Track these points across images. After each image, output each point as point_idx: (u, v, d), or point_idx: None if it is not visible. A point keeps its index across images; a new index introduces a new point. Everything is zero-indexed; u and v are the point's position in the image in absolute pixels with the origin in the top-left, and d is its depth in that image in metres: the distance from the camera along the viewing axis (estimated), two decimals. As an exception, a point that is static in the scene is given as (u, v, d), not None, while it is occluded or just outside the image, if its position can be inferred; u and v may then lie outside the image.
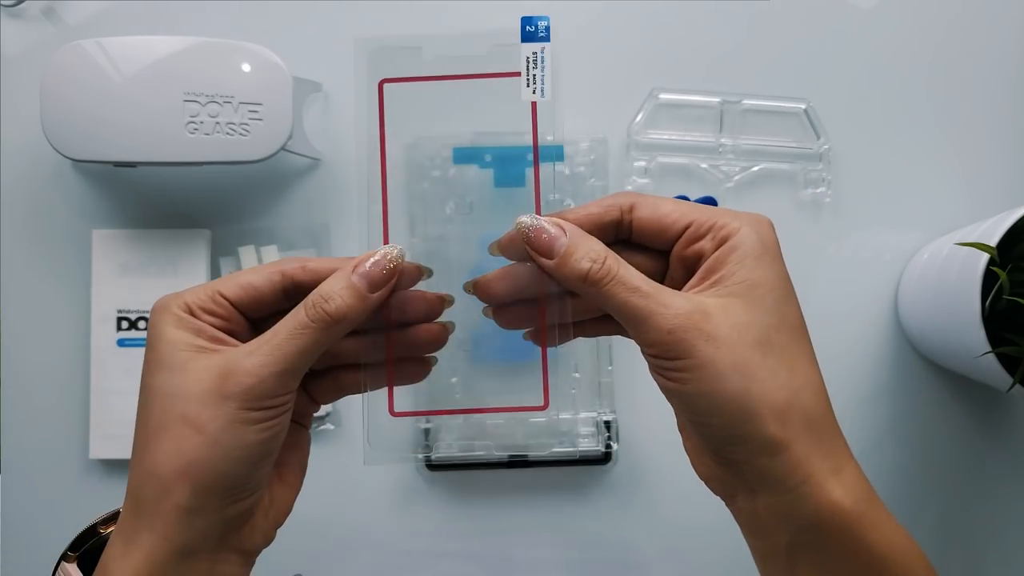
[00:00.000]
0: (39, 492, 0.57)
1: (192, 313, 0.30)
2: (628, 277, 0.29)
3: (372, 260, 0.30)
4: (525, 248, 0.31)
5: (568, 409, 0.51)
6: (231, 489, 0.29)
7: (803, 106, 0.59)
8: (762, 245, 0.29)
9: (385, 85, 0.36)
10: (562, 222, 0.31)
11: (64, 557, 0.33)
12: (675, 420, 0.33)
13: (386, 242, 0.33)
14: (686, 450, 0.33)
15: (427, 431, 0.56)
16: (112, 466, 0.56)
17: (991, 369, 0.48)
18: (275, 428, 0.29)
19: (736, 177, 0.59)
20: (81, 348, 0.56)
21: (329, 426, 0.57)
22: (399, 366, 0.33)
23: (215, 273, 0.57)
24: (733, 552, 0.59)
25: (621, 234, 0.33)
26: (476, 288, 0.33)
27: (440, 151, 0.56)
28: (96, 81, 0.49)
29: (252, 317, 0.32)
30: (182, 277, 0.55)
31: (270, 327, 0.30)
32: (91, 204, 0.57)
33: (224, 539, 0.30)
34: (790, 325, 0.29)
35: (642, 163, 0.58)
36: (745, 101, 0.59)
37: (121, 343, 0.55)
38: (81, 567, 0.33)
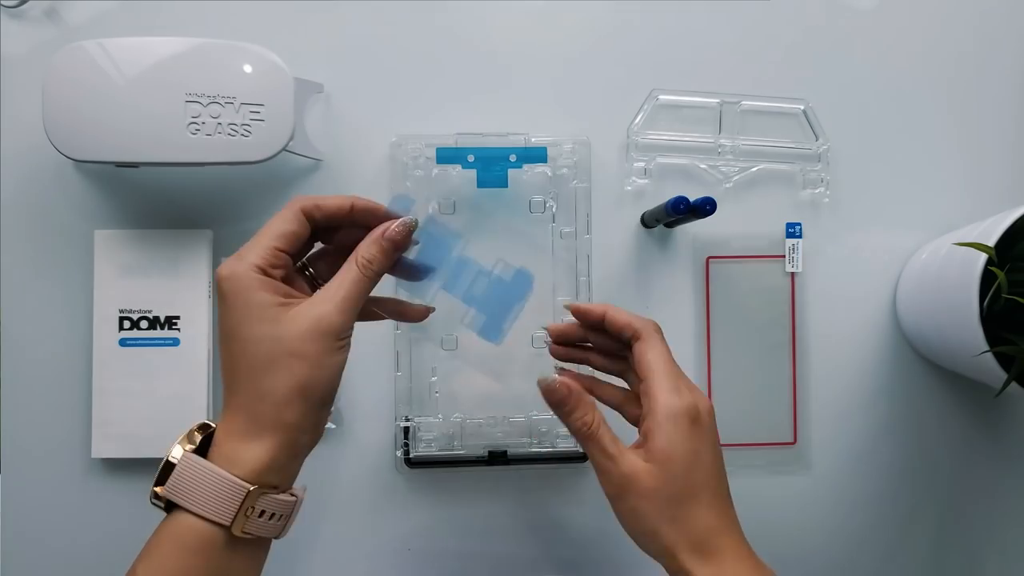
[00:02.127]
0: (40, 492, 0.57)
1: (264, 272, 0.39)
2: (602, 439, 0.43)
3: (395, 226, 0.41)
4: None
5: (547, 410, 0.51)
6: (328, 398, 0.40)
7: (802, 106, 0.59)
8: (673, 425, 0.42)
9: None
10: (571, 383, 0.44)
11: (171, 456, 0.38)
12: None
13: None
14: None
15: (406, 429, 0.56)
16: (114, 465, 0.56)
17: (989, 368, 0.48)
18: (348, 348, 0.40)
19: (735, 177, 0.59)
20: (83, 348, 0.56)
21: (331, 425, 0.57)
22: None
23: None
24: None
25: (626, 349, 0.46)
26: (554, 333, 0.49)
27: (423, 151, 0.57)
28: (98, 82, 0.49)
29: (291, 254, 0.41)
30: (183, 277, 0.56)
31: (302, 256, 0.43)
32: (93, 204, 0.57)
33: (314, 438, 0.40)
34: (694, 484, 0.41)
35: (642, 164, 0.59)
36: (744, 102, 0.59)
37: (123, 343, 0.55)
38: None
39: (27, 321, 0.57)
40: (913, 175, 0.61)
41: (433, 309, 0.45)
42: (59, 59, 0.50)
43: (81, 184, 0.57)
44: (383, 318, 0.45)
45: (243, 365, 0.38)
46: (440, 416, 0.57)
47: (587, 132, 0.58)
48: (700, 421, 0.42)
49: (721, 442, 0.44)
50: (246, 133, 0.50)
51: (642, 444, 0.43)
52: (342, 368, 0.40)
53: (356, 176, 0.58)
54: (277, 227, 0.40)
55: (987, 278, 0.47)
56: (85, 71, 0.49)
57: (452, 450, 0.57)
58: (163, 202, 0.57)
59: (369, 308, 0.43)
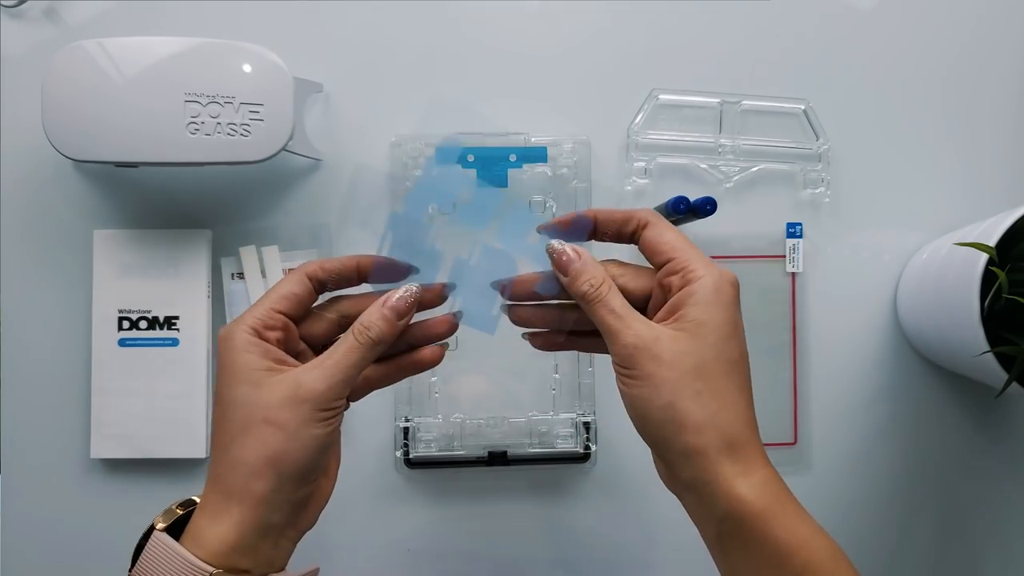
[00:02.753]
0: (39, 492, 0.57)
1: (259, 333, 0.37)
2: (612, 301, 0.37)
3: (398, 296, 0.39)
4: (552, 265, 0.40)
5: (547, 410, 0.52)
6: (304, 474, 0.37)
7: (802, 106, 0.59)
8: (716, 293, 0.36)
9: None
10: (580, 249, 0.39)
11: (153, 528, 0.37)
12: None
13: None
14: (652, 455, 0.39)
15: (406, 430, 0.56)
16: (113, 465, 0.56)
17: (990, 368, 0.48)
18: (335, 423, 0.37)
19: (736, 177, 0.59)
20: (82, 348, 0.56)
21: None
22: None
23: (216, 274, 0.57)
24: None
25: (632, 241, 0.40)
26: (511, 285, 0.41)
27: (423, 150, 0.57)
28: (97, 81, 0.49)
29: (294, 317, 0.39)
30: (183, 277, 0.56)
31: (307, 323, 0.40)
32: (92, 204, 0.57)
33: (290, 518, 0.38)
34: (725, 360, 0.36)
35: (642, 163, 0.58)
36: (744, 101, 0.59)
37: (122, 343, 0.55)
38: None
39: (26, 321, 0.56)
40: (914, 175, 0.61)
41: (447, 346, 0.42)
42: (58, 59, 0.50)
43: (80, 184, 0.57)
44: (392, 381, 0.42)
45: (222, 430, 0.37)
46: (440, 416, 0.57)
47: (587, 132, 0.58)
48: (737, 296, 0.38)
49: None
50: (245, 133, 0.50)
51: (667, 318, 0.37)
52: (323, 444, 0.37)
53: (355, 176, 0.58)
54: (280, 289, 0.39)
55: (988, 278, 0.47)
56: (84, 71, 0.49)
57: (452, 450, 0.56)
58: (162, 202, 0.57)
59: (374, 376, 0.41)
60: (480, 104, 0.59)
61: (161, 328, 0.55)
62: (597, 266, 0.39)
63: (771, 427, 0.59)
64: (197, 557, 0.35)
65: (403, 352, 0.42)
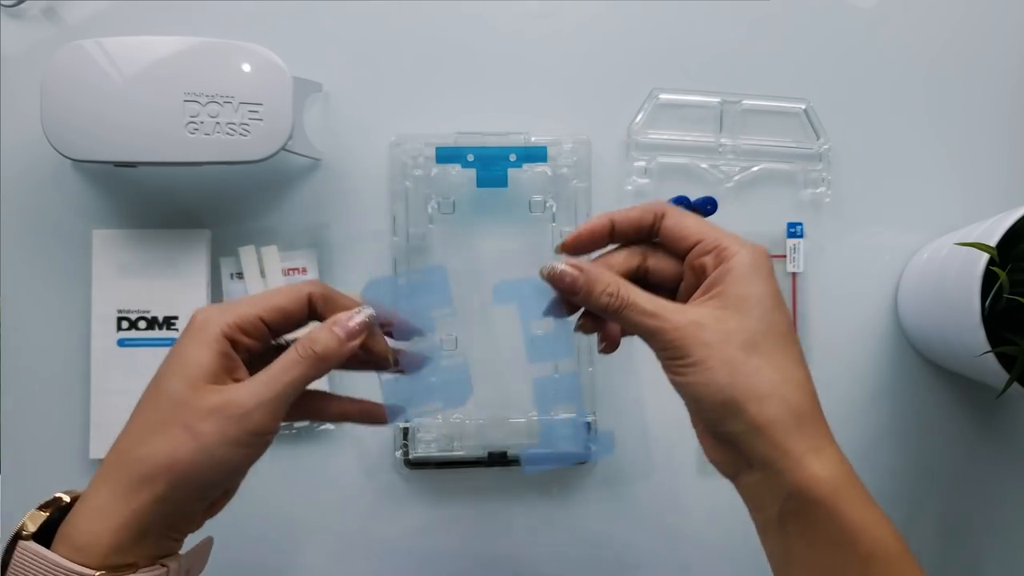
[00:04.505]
0: (39, 492, 0.56)
1: (234, 334, 0.36)
2: (638, 302, 0.36)
3: (349, 317, 0.37)
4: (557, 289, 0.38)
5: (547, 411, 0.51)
6: (204, 491, 0.35)
7: (803, 106, 0.59)
8: (754, 267, 0.35)
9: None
10: (578, 263, 0.37)
11: (18, 536, 0.35)
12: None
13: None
14: (699, 440, 0.38)
15: (406, 430, 0.56)
16: (112, 466, 0.56)
17: (991, 369, 0.48)
18: (260, 449, 0.35)
19: (736, 177, 0.59)
20: (81, 348, 0.56)
21: (330, 426, 0.57)
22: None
23: (215, 274, 0.57)
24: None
25: (652, 236, 0.39)
26: (563, 247, 0.39)
27: (423, 150, 0.56)
28: (96, 81, 0.49)
29: (276, 332, 0.38)
30: (182, 277, 0.55)
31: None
32: (91, 204, 0.57)
33: (176, 525, 0.36)
34: (776, 332, 0.35)
35: (642, 163, 0.58)
36: (745, 101, 0.59)
37: (121, 343, 0.55)
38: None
39: (25, 321, 0.56)
40: (914, 175, 0.60)
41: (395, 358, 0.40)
42: (57, 58, 0.50)
43: (79, 184, 0.57)
44: (337, 419, 0.41)
45: (140, 419, 0.35)
46: (440, 417, 0.57)
47: (587, 131, 0.58)
48: (773, 269, 0.36)
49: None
50: (244, 132, 0.50)
51: (702, 298, 0.36)
52: (236, 469, 0.35)
53: (355, 176, 0.58)
54: (275, 299, 0.37)
55: (989, 278, 0.47)
56: (83, 70, 0.49)
57: (452, 451, 0.56)
58: (162, 202, 0.57)
59: (316, 405, 0.40)
60: (480, 103, 0.59)
61: (160, 328, 0.55)
62: (604, 271, 0.37)
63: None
64: (74, 562, 0.33)
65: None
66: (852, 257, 0.60)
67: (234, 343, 0.36)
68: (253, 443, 0.35)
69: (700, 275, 0.37)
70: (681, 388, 0.35)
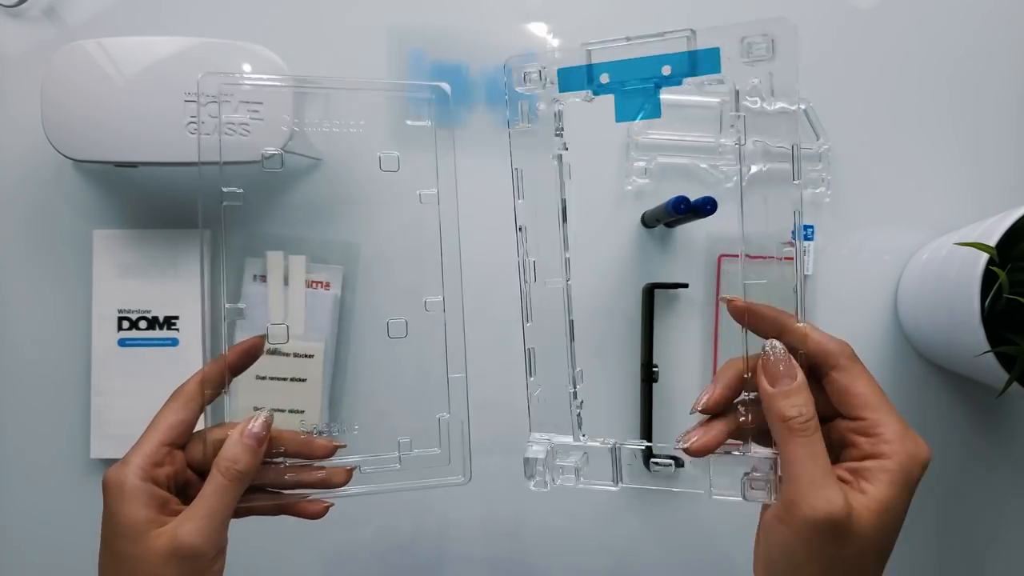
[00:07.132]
0: (39, 492, 0.57)
1: (148, 474, 0.38)
2: (815, 445, 0.35)
3: (251, 425, 0.40)
4: (757, 368, 0.37)
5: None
6: None
7: (803, 106, 0.59)
8: (906, 480, 0.35)
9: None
10: (798, 369, 0.36)
11: None
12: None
13: None
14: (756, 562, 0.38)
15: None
16: (113, 466, 0.56)
17: (990, 369, 0.48)
18: (220, 561, 0.39)
19: (736, 177, 0.59)
20: (82, 348, 0.56)
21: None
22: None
23: (215, 274, 0.57)
24: (717, 556, 0.59)
25: (814, 378, 0.38)
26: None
27: (544, 71, 0.40)
28: (97, 81, 0.49)
29: (182, 444, 0.40)
30: (182, 277, 0.56)
31: (189, 448, 0.40)
32: (92, 204, 0.57)
33: None
34: (888, 550, 0.36)
35: (642, 163, 0.58)
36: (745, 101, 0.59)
37: (122, 343, 0.55)
38: None
39: (26, 321, 0.56)
40: (914, 175, 0.60)
41: (332, 504, 0.43)
42: (58, 58, 0.50)
43: (80, 184, 0.57)
44: (273, 513, 0.43)
45: None
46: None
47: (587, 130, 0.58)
48: (920, 478, 0.36)
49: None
50: (245, 132, 0.50)
51: (851, 482, 0.36)
52: None
53: (355, 176, 0.58)
54: (166, 419, 0.39)
55: (988, 278, 0.47)
56: (84, 71, 0.49)
57: None
58: (162, 202, 0.57)
59: (250, 505, 0.41)
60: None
61: (161, 328, 0.55)
62: (809, 396, 0.36)
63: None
64: None
65: (288, 491, 0.42)
66: (852, 257, 0.60)
67: (154, 480, 0.38)
68: (208, 566, 0.38)
69: (848, 448, 0.37)
70: (774, 536, 0.36)
